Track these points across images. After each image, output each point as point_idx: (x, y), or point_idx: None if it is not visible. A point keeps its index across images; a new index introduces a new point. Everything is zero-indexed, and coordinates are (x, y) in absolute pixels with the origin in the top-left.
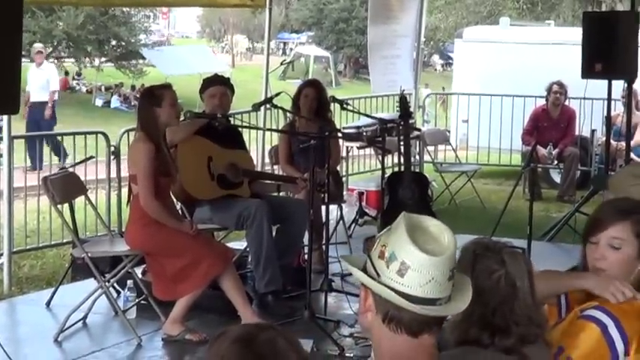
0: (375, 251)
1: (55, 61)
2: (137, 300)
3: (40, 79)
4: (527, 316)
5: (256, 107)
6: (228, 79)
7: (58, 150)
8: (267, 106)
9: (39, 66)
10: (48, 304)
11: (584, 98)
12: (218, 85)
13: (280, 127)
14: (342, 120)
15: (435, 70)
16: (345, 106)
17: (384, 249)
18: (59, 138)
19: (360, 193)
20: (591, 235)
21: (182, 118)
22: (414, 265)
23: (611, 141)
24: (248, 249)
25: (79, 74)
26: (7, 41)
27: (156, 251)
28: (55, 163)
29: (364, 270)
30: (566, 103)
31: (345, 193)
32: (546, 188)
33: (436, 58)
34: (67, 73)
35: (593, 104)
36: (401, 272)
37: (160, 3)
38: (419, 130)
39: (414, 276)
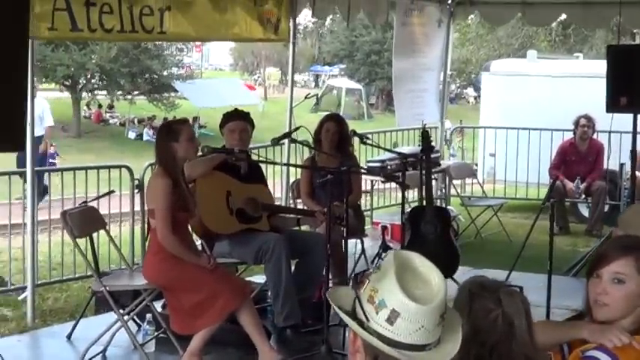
0: (364, 293)
1: (89, 93)
2: (156, 333)
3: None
4: (525, 356)
5: (275, 142)
6: (248, 113)
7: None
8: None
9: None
10: (69, 336)
11: (612, 131)
12: (238, 121)
13: (303, 160)
14: (368, 153)
15: (468, 102)
16: (365, 140)
17: (374, 294)
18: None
19: (384, 227)
20: (595, 270)
21: (200, 152)
22: (404, 313)
23: (638, 174)
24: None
25: (111, 107)
26: (11, 77)
27: (173, 285)
28: (79, 196)
29: (353, 311)
30: (594, 136)
31: (369, 226)
32: (575, 222)
33: (470, 91)
34: (100, 106)
35: (621, 137)
36: (390, 320)
37: (182, 38)
38: (439, 164)
39: (404, 324)
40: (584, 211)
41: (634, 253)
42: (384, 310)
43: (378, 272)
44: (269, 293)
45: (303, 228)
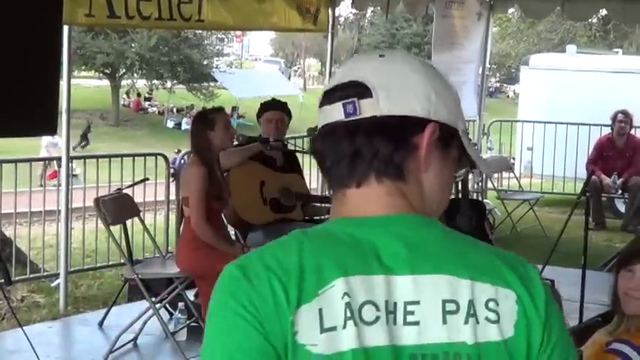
0: None
1: (128, 82)
2: (188, 322)
3: None
4: None
5: (311, 132)
6: (286, 103)
7: None
8: None
9: None
10: (101, 324)
11: None
12: (275, 110)
13: None
14: None
15: (508, 97)
16: None
17: None
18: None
19: None
20: (628, 265)
21: (235, 141)
22: None
23: None
24: None
25: (150, 95)
26: (46, 62)
27: (206, 274)
28: (114, 184)
29: None
30: (632, 132)
31: None
32: (611, 218)
33: (518, 86)
34: (139, 95)
35: None
36: None
37: (220, 27)
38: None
39: None
40: (621, 207)
41: None
42: None
43: None
44: None
45: None
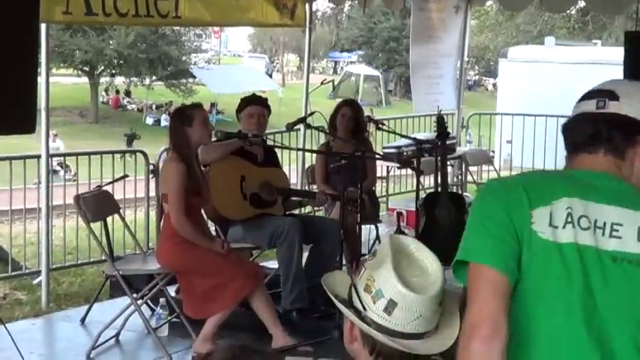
0: (361, 282)
1: (107, 79)
2: (169, 318)
3: None
4: None
5: (289, 127)
6: (266, 99)
7: None
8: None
9: None
10: (83, 320)
11: None
12: (256, 105)
13: (319, 146)
14: (384, 140)
15: (487, 89)
16: (380, 126)
17: (370, 283)
18: None
19: (399, 213)
20: None
21: (214, 137)
22: (402, 303)
23: None
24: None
25: (127, 93)
26: (23, 60)
27: (186, 270)
28: (94, 181)
29: (350, 299)
30: None
31: (385, 213)
32: None
33: (494, 79)
34: (117, 92)
35: None
36: (388, 310)
37: (197, 23)
38: (454, 150)
39: (402, 314)
40: None
41: None
42: (382, 299)
43: (374, 259)
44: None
45: (319, 214)
